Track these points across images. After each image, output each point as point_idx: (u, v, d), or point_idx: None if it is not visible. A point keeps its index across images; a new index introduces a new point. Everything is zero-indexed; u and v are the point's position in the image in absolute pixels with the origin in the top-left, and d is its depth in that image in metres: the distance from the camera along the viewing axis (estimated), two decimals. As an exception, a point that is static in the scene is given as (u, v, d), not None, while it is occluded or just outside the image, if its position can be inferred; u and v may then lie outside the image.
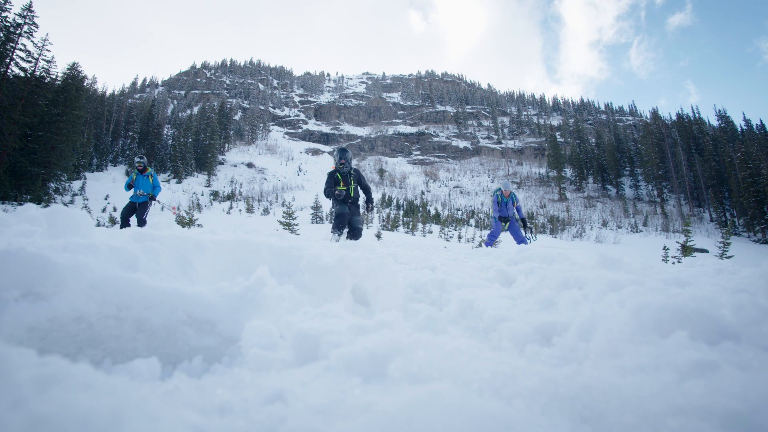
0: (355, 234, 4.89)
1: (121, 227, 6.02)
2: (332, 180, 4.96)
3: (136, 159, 7.32)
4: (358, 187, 5.25)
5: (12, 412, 0.31)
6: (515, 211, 7.29)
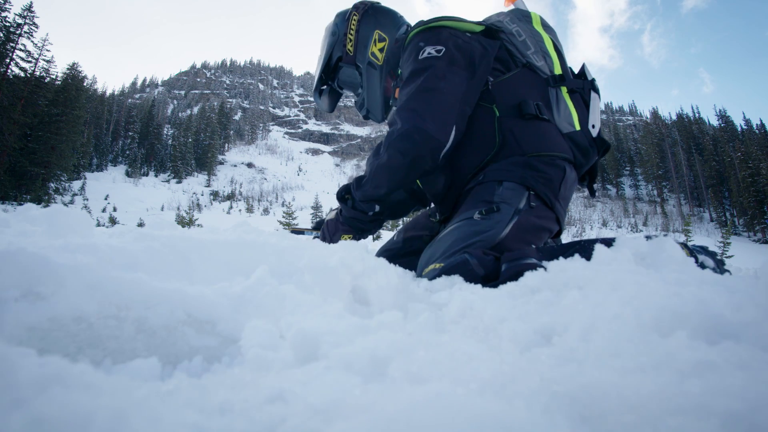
0: None
1: None
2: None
3: None
4: None
5: (12, 412, 0.31)
6: None
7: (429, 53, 1.38)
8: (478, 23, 1.55)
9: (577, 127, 1.46)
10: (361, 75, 1.71)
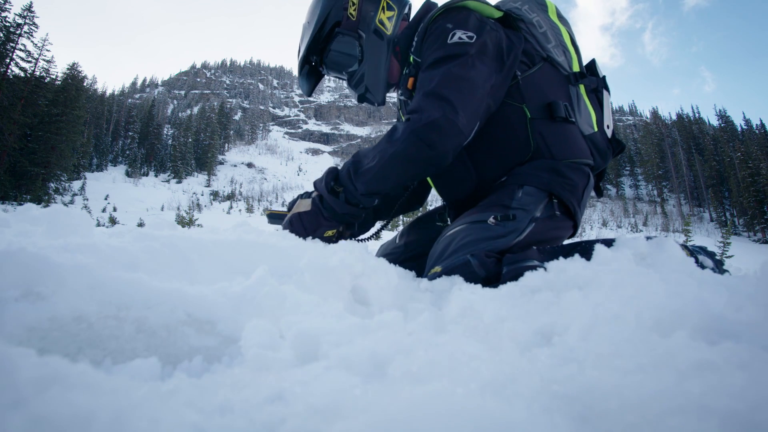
0: None
1: None
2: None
3: None
4: None
5: (12, 412, 0.31)
6: None
7: (460, 38, 1.24)
8: (496, 8, 1.40)
9: (596, 129, 1.40)
10: (361, 47, 1.49)
